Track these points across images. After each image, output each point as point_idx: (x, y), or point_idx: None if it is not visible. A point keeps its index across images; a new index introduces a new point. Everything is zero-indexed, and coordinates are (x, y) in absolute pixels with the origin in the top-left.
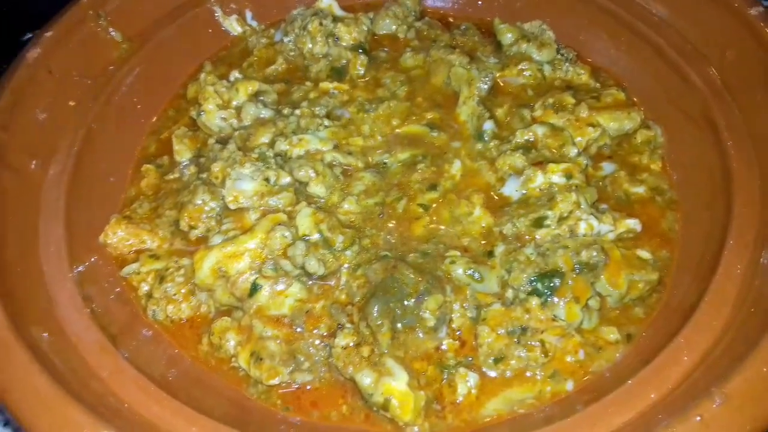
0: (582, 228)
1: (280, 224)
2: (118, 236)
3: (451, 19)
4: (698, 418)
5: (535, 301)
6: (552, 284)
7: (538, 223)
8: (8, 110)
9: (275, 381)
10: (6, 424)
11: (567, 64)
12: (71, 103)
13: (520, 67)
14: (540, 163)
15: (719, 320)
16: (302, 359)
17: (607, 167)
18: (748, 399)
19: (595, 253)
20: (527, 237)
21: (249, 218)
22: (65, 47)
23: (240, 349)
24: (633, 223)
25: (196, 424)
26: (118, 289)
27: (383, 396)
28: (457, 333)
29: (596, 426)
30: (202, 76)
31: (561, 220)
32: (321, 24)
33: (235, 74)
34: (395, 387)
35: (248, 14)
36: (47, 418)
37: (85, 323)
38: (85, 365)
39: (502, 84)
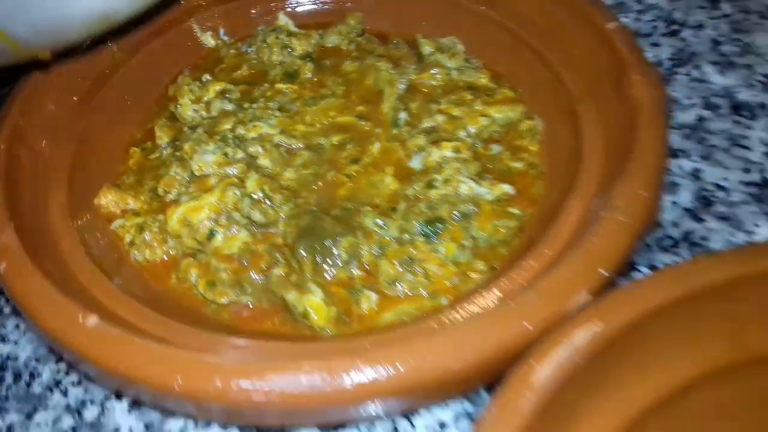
0: (463, 189)
1: (232, 185)
2: (108, 199)
3: (388, 35)
4: (513, 305)
5: (421, 240)
6: (435, 229)
7: (430, 185)
8: (27, 101)
9: (224, 300)
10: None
11: (472, 70)
12: (74, 98)
13: (432, 72)
14: (436, 142)
15: (552, 251)
16: (246, 286)
17: (495, 148)
18: (552, 292)
19: (471, 207)
20: (422, 197)
21: (210, 182)
22: (71, 54)
23: (200, 280)
24: (507, 188)
25: (167, 326)
26: (108, 239)
27: (304, 307)
28: (366, 266)
29: (450, 314)
30: (180, 78)
31: (446, 182)
32: (278, 38)
33: (206, 76)
34: (313, 300)
35: (221, 31)
36: (52, 311)
37: (83, 260)
38: (83, 287)
39: (418, 85)
